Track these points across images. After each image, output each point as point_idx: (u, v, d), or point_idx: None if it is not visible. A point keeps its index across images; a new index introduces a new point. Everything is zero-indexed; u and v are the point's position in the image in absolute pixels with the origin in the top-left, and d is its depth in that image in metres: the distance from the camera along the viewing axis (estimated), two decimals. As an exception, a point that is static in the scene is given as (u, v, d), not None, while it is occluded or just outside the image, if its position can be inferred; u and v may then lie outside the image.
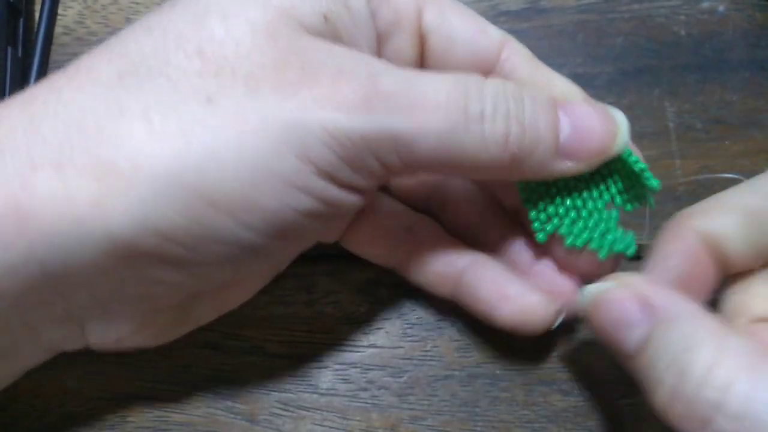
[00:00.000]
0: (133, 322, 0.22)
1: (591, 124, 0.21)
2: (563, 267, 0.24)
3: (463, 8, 0.24)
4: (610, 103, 0.29)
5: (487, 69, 0.23)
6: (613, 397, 0.26)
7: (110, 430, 0.26)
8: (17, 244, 0.17)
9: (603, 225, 0.23)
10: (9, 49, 0.29)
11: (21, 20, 0.30)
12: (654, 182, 0.22)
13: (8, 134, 0.18)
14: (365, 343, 0.27)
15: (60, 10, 0.31)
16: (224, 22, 0.19)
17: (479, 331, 0.27)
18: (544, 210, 0.23)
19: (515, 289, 0.24)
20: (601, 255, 0.23)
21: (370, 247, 0.26)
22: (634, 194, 0.23)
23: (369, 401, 0.26)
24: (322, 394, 0.26)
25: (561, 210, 0.23)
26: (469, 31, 0.23)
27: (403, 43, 0.23)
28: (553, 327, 0.24)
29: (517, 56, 0.24)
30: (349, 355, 0.27)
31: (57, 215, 0.17)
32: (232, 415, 0.26)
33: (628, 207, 0.23)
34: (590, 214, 0.23)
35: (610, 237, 0.23)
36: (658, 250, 0.22)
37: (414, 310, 0.27)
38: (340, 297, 0.27)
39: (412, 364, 0.27)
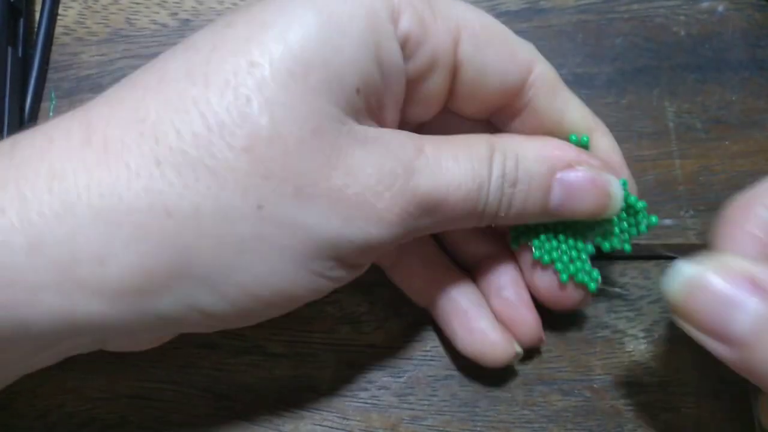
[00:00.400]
0: (147, 341, 0.23)
1: (583, 196, 0.22)
2: (530, 286, 0.25)
3: (496, 29, 0.22)
4: (610, 103, 0.30)
5: (512, 96, 0.23)
6: (613, 397, 0.26)
7: (110, 429, 0.26)
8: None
9: (574, 253, 0.24)
10: (9, 49, 0.29)
11: (21, 20, 0.30)
12: (653, 218, 0.24)
13: (47, 230, 0.17)
14: (365, 343, 0.27)
15: (60, 10, 0.31)
16: (269, 111, 0.18)
17: (479, 330, 0.27)
18: (524, 224, 0.24)
19: (481, 324, 0.25)
20: (563, 278, 0.24)
21: None
22: (614, 232, 0.24)
23: (369, 401, 0.26)
24: (322, 394, 0.26)
25: (540, 228, 0.24)
26: (501, 61, 0.22)
27: (438, 80, 0.22)
28: (513, 363, 0.26)
29: (539, 82, 0.23)
30: (349, 355, 0.27)
31: (102, 306, 0.18)
32: (232, 415, 0.26)
33: (606, 246, 0.24)
34: (566, 239, 0.24)
35: (577, 265, 0.24)
36: (723, 235, 0.22)
37: (414, 310, 0.27)
38: (341, 297, 0.27)
39: (412, 364, 0.27)
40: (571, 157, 0.22)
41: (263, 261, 0.18)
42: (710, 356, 0.27)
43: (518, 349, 0.25)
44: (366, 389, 0.27)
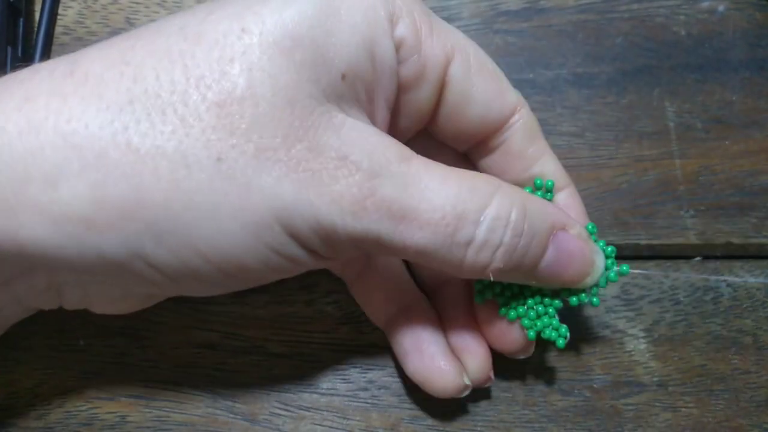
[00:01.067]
0: (107, 300, 0.23)
1: (570, 263, 0.22)
2: (487, 332, 0.24)
3: (489, 66, 0.23)
4: (610, 103, 0.30)
5: (491, 131, 0.23)
6: (612, 397, 0.26)
7: (110, 429, 0.26)
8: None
9: (541, 308, 0.23)
10: (9, 49, 0.29)
11: (21, 20, 0.30)
12: (624, 267, 0.23)
13: (6, 143, 0.18)
14: (365, 343, 0.27)
15: (60, 10, 0.31)
16: (248, 75, 0.18)
17: (479, 330, 0.27)
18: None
19: (432, 349, 0.24)
20: (530, 335, 0.23)
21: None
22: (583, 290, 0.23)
23: (369, 401, 0.26)
24: (322, 394, 0.26)
25: (505, 282, 0.23)
26: (488, 93, 0.23)
27: (425, 92, 0.22)
28: (458, 396, 0.24)
29: (521, 126, 0.23)
30: (350, 355, 0.27)
31: (47, 229, 0.18)
32: (232, 415, 0.26)
33: (574, 300, 0.23)
34: (532, 294, 0.23)
35: (545, 321, 0.23)
36: None
37: (414, 309, 0.27)
38: (341, 297, 0.27)
39: (412, 363, 0.27)
40: (566, 220, 0.22)
41: (213, 218, 0.18)
42: (709, 355, 0.27)
43: (467, 381, 0.24)
44: (366, 389, 0.26)
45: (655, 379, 0.27)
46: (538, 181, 0.23)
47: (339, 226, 0.19)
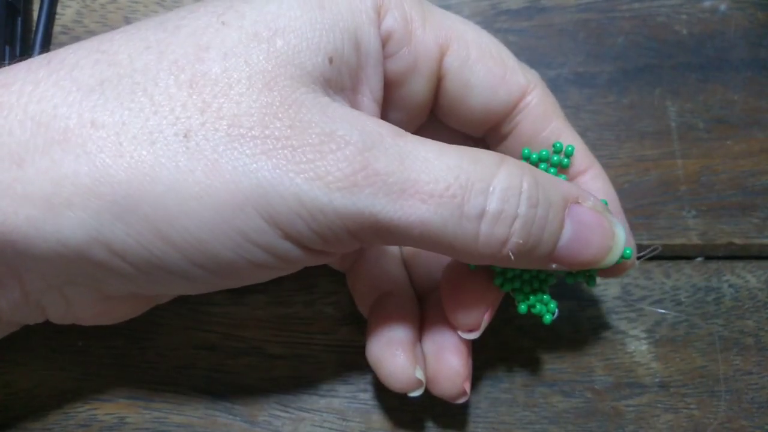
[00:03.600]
0: (90, 307, 0.22)
1: (591, 237, 0.20)
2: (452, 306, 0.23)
3: (492, 51, 0.22)
4: (611, 103, 0.29)
5: (498, 119, 0.23)
6: (614, 398, 0.26)
7: (109, 431, 0.26)
8: None
9: (536, 283, 0.22)
10: (7, 49, 0.29)
11: (19, 19, 0.30)
12: (627, 251, 0.21)
13: None
14: (365, 344, 0.27)
15: (58, 9, 0.31)
16: (224, 61, 0.18)
17: (480, 331, 0.27)
18: None
19: (393, 334, 0.23)
20: (521, 309, 0.22)
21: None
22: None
23: (369, 402, 0.26)
24: (321, 396, 0.26)
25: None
26: (490, 80, 0.22)
27: (418, 86, 0.22)
28: (410, 395, 0.23)
29: (533, 108, 0.22)
30: (350, 356, 0.27)
31: (9, 208, 0.17)
32: (231, 417, 0.26)
33: (570, 279, 0.22)
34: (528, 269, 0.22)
35: (537, 296, 0.22)
36: None
37: (414, 310, 0.27)
38: (341, 297, 0.27)
39: (413, 365, 0.27)
40: (579, 192, 0.20)
41: (177, 198, 0.17)
42: (710, 356, 0.27)
43: (419, 375, 0.23)
44: (366, 390, 0.26)
45: (657, 380, 0.27)
46: (558, 145, 0.22)
47: (326, 206, 0.17)
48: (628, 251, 0.21)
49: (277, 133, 0.17)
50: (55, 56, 0.19)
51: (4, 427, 0.26)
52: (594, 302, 0.27)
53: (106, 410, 0.26)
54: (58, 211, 0.17)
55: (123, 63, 0.18)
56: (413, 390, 0.23)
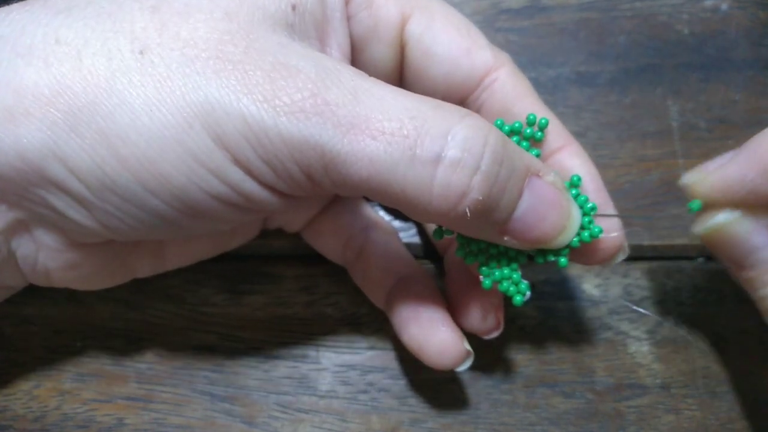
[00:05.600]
0: (59, 254, 0.21)
1: (546, 212, 0.19)
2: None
3: (460, 24, 0.22)
4: (612, 102, 0.29)
5: (462, 94, 0.22)
6: (615, 399, 0.26)
7: (107, 431, 0.26)
8: None
9: (504, 260, 0.21)
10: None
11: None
12: (596, 229, 0.21)
13: None
14: (365, 345, 0.27)
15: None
16: None
17: (480, 332, 0.26)
18: None
19: (431, 314, 0.23)
20: (485, 284, 0.21)
21: (325, 240, 0.26)
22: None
23: (369, 403, 0.26)
24: (321, 397, 0.26)
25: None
26: (453, 50, 0.22)
27: (380, 52, 0.22)
28: (459, 369, 0.23)
29: (500, 87, 0.22)
30: (349, 357, 0.27)
31: None
32: (230, 418, 0.26)
33: (539, 259, 0.21)
34: (495, 244, 0.21)
35: (504, 272, 0.21)
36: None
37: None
38: (340, 298, 0.27)
39: (413, 366, 0.26)
40: (541, 165, 0.20)
41: (129, 111, 0.17)
42: (712, 357, 0.27)
43: (467, 346, 0.23)
44: (366, 391, 0.26)
45: (658, 381, 0.26)
46: (531, 117, 0.21)
47: (271, 129, 0.17)
48: (585, 234, 0.20)
49: (230, 57, 0.18)
50: None
51: (3, 428, 0.25)
52: (595, 303, 0.27)
53: (105, 411, 0.26)
54: (18, 121, 0.18)
55: None
56: (463, 363, 0.23)
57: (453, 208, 0.18)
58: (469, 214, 0.18)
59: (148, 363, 0.26)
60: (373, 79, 0.18)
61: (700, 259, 0.28)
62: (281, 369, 0.26)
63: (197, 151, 0.17)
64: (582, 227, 0.20)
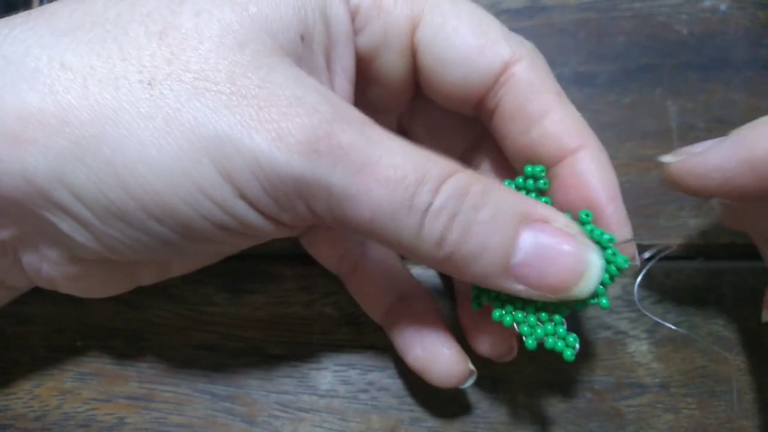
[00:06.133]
0: (62, 266, 0.22)
1: (553, 258, 0.19)
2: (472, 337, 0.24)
3: (470, 19, 0.21)
4: (612, 102, 0.29)
5: (479, 94, 0.22)
6: (614, 399, 0.26)
7: (108, 431, 0.26)
8: None
9: (544, 315, 0.20)
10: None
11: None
12: (620, 260, 0.20)
13: None
14: (365, 344, 0.27)
15: (58, 9, 0.31)
16: (196, 17, 0.18)
17: (480, 331, 0.27)
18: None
19: (434, 335, 0.23)
20: (528, 344, 0.20)
21: (321, 249, 0.26)
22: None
23: (369, 402, 0.26)
24: (321, 396, 0.26)
25: (503, 295, 0.21)
26: (466, 53, 0.21)
27: (391, 61, 0.22)
28: (463, 386, 0.23)
29: (516, 82, 0.21)
30: (349, 356, 0.27)
31: None
32: (230, 417, 0.26)
33: (579, 306, 0.20)
34: (533, 302, 0.20)
35: (548, 328, 0.20)
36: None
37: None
38: (340, 297, 0.27)
39: (413, 365, 0.26)
40: (544, 212, 0.19)
41: (137, 143, 0.17)
42: (712, 357, 0.27)
43: (471, 366, 0.23)
44: (366, 390, 0.26)
45: (657, 380, 0.26)
46: (528, 169, 0.21)
47: (282, 167, 0.17)
48: (612, 268, 0.20)
49: (244, 91, 0.17)
50: (37, 8, 0.19)
51: (3, 427, 0.26)
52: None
53: (106, 410, 0.26)
54: (23, 147, 0.17)
55: (97, 12, 0.18)
56: (467, 381, 0.23)
57: (436, 251, 0.19)
58: (454, 256, 0.18)
59: (149, 362, 0.26)
60: (383, 128, 0.19)
61: (700, 259, 0.28)
62: (281, 368, 0.26)
63: (204, 184, 0.17)
64: (607, 261, 0.20)
